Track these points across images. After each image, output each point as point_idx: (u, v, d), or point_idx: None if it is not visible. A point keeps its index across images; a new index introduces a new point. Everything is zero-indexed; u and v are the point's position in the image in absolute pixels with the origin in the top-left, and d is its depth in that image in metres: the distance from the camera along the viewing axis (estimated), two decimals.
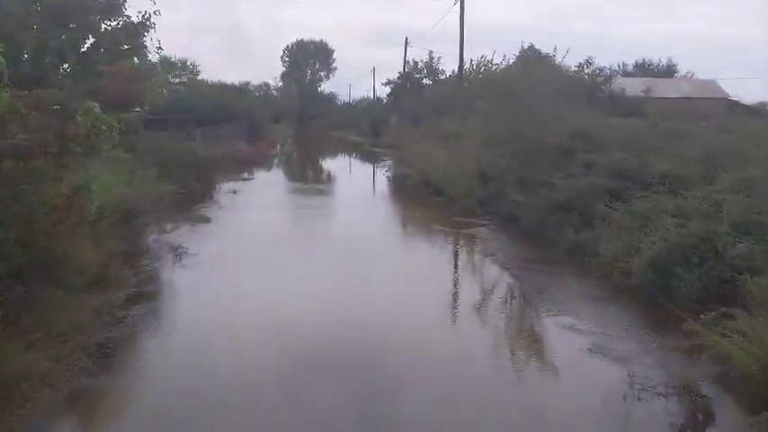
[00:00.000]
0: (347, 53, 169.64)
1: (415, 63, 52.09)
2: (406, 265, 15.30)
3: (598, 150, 17.88)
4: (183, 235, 16.61)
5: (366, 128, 74.64)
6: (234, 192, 25.87)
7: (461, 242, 18.05)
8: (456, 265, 15.84)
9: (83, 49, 22.92)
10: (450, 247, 17.75)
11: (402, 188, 28.60)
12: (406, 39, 56.40)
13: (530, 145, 19.58)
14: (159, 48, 24.30)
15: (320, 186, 31.47)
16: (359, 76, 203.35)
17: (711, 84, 51.39)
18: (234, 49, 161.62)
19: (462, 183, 22.24)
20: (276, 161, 45.90)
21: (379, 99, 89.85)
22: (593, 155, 17.70)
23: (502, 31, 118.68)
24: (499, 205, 19.52)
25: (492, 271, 14.48)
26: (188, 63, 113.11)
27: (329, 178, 36.19)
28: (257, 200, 24.79)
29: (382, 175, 34.81)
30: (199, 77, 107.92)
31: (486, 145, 22.86)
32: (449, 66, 50.40)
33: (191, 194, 21.82)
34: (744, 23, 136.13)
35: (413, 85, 52.60)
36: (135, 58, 23.87)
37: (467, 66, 37.55)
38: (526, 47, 33.38)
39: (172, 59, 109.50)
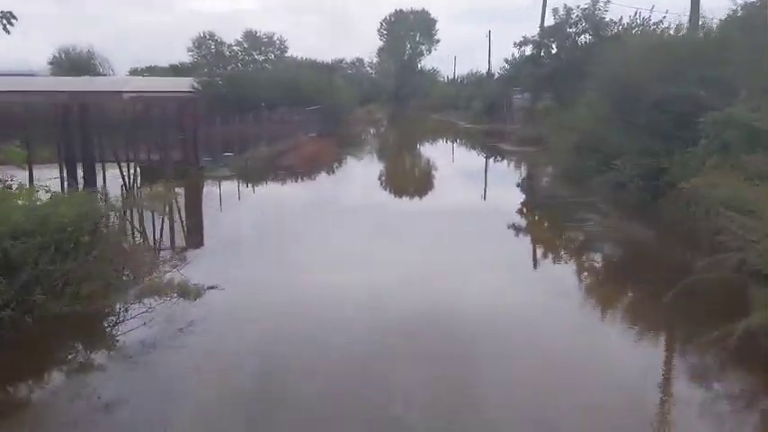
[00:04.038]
0: (452, 23, 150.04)
1: (568, 11, 33.40)
2: None
3: None
4: None
5: (477, 109, 56.34)
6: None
7: None
8: None
9: None
10: None
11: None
12: None
13: None
14: None
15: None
16: (465, 50, 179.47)
17: None
18: (330, 26, 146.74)
19: None
20: (344, 169, 28.89)
21: (490, 74, 71.26)
22: None
23: None
24: None
25: None
26: (275, 38, 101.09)
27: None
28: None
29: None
30: (286, 54, 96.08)
31: None
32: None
33: None
34: None
35: (564, 46, 34.32)
36: None
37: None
38: None
39: (257, 35, 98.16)
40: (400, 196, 20.46)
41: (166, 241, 12.65)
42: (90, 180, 14.53)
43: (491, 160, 31.85)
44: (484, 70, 75.30)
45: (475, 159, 32.36)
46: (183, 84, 47.27)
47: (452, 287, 9.70)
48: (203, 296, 8.60)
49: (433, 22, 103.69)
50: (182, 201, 17.19)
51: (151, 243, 12.09)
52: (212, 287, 8.86)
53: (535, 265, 11.68)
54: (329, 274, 10.29)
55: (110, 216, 9.69)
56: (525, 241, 14.17)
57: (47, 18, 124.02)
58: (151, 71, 76.47)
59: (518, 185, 22.91)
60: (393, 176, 26.12)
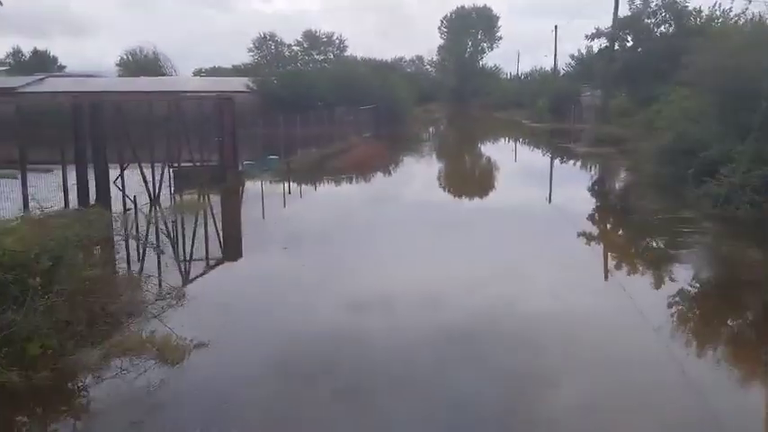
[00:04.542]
0: (515, 19, 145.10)
1: (645, 0, 29.77)
2: None
3: None
4: None
5: (542, 108, 52.94)
6: None
7: None
8: None
9: None
10: None
11: None
12: None
13: None
14: None
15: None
16: (528, 46, 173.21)
17: None
18: (390, 24, 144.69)
19: None
20: (396, 173, 26.52)
21: (556, 71, 67.53)
22: None
23: None
24: None
25: None
26: (334, 38, 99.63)
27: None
28: None
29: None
30: (345, 53, 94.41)
31: None
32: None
33: None
34: None
35: (641, 38, 30.78)
36: None
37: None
38: None
39: (317, 34, 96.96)
40: (456, 204, 17.87)
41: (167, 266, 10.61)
42: (102, 190, 12.66)
43: (560, 162, 28.86)
44: (548, 67, 71.75)
45: (542, 161, 29.37)
46: (240, 84, 46.05)
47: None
48: (188, 357, 6.41)
49: (496, 18, 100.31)
50: (203, 211, 15.27)
51: (168, 261, 10.09)
52: (201, 344, 6.66)
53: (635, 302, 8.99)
54: (372, 315, 7.95)
55: (93, 241, 7.64)
56: (615, 266, 11.41)
57: (118, 23, 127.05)
58: (215, 72, 76.21)
59: (595, 193, 20.05)
60: (450, 181, 23.56)
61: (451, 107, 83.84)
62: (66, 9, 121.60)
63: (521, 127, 50.82)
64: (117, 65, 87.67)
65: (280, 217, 15.37)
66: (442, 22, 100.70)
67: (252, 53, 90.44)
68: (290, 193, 18.65)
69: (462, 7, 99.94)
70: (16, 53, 78.91)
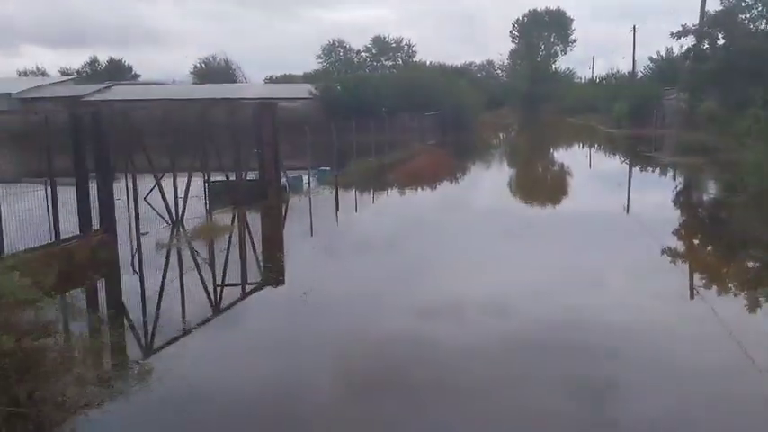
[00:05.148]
0: (590, 22, 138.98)
1: None
2: None
3: None
4: None
5: (620, 112, 49.07)
6: None
7: None
8: None
9: None
10: None
11: None
12: None
13: None
14: None
15: None
16: (604, 49, 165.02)
17: None
18: (461, 29, 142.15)
19: None
20: (459, 186, 24.17)
21: (634, 74, 63.39)
22: None
23: None
24: None
25: None
26: (403, 43, 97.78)
27: None
28: None
29: None
30: (414, 59, 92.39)
31: None
32: None
33: None
34: None
35: (735, 36, 27.21)
36: None
37: None
38: None
39: (386, 39, 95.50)
40: (525, 212, 15.23)
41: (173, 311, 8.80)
42: (106, 212, 10.99)
43: (641, 171, 25.82)
44: (625, 70, 67.61)
45: (620, 170, 26.23)
46: (302, 90, 44.79)
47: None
48: None
49: (569, 21, 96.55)
50: (228, 236, 13.47)
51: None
52: None
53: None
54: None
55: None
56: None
57: (196, 33, 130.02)
58: (285, 80, 75.86)
59: (683, 207, 17.26)
60: (520, 195, 21.10)
61: (523, 112, 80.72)
62: (147, 21, 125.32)
63: (596, 133, 47.36)
64: (191, 73, 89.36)
65: (321, 245, 13.39)
66: (513, 25, 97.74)
67: (320, 60, 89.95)
68: (337, 209, 16.70)
69: (535, 10, 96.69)
70: (93, 62, 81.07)
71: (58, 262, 9.78)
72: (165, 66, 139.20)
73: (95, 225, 11.11)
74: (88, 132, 10.86)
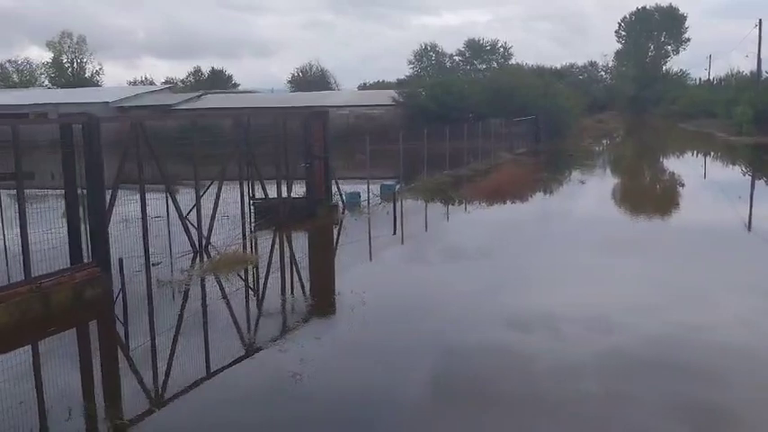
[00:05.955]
0: (705, 19, 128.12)
1: None
2: None
3: None
4: None
5: (742, 118, 43.12)
6: None
7: None
8: None
9: None
10: None
11: None
12: None
13: None
14: None
15: None
16: (721, 48, 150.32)
17: None
18: (562, 30, 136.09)
19: None
20: (544, 211, 20.62)
21: (759, 74, 56.57)
22: None
23: None
24: None
25: None
26: (498, 46, 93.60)
27: None
28: None
29: None
30: (511, 62, 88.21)
31: None
32: None
33: None
34: None
35: None
36: None
37: None
38: None
39: (480, 42, 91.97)
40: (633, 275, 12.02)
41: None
42: (98, 238, 8.95)
43: None
44: (747, 70, 60.62)
45: (746, 185, 21.86)
46: (386, 97, 42.67)
47: None
48: None
49: (682, 18, 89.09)
50: (255, 269, 11.13)
51: None
52: None
53: None
54: None
55: None
56: None
57: (298, 43, 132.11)
58: (378, 86, 74.38)
59: None
60: (627, 228, 17.25)
61: (628, 117, 74.68)
62: (252, 32, 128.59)
63: (713, 141, 41.91)
64: (288, 81, 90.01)
65: (370, 282, 10.89)
66: (619, 24, 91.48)
67: (411, 65, 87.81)
68: (394, 233, 14.12)
69: (644, 8, 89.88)
70: (196, 72, 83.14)
71: (16, 308, 7.89)
72: (267, 75, 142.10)
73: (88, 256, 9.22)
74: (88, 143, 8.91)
